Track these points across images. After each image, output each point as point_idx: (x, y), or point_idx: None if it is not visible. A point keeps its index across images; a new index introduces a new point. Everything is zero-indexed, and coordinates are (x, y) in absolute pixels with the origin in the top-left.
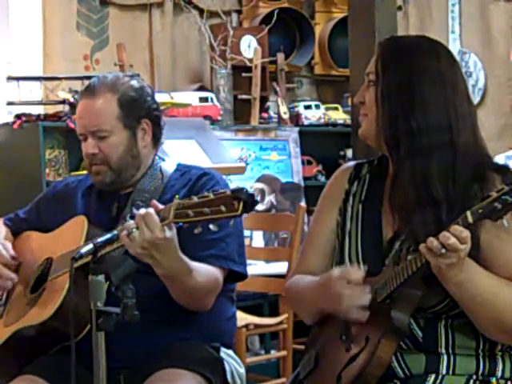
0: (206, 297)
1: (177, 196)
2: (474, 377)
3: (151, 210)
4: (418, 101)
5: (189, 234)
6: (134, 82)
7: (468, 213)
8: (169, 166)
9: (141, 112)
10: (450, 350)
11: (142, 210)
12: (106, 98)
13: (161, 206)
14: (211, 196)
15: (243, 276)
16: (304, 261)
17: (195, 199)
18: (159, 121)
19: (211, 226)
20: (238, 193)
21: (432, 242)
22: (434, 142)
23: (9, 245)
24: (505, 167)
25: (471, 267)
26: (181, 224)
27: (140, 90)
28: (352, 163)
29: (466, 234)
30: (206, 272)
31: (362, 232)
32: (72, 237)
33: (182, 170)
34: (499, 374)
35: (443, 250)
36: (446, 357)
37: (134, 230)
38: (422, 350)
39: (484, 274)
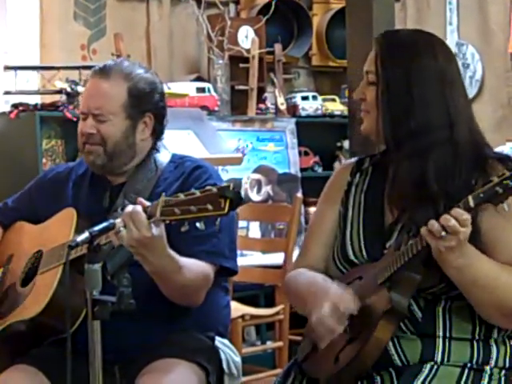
0: (196, 293)
1: (162, 194)
2: (469, 365)
3: (138, 208)
4: (417, 101)
5: (179, 231)
6: (149, 75)
7: (469, 197)
8: (163, 157)
9: (147, 106)
10: (447, 334)
11: (129, 208)
12: (117, 83)
13: (147, 203)
14: (197, 193)
15: (234, 271)
16: (306, 253)
17: (182, 196)
18: (162, 118)
19: (198, 225)
20: (225, 191)
21: (433, 224)
22: (434, 141)
23: None
24: (507, 157)
25: (471, 252)
26: (168, 221)
27: (152, 84)
28: (354, 159)
29: (467, 216)
30: (196, 268)
31: (364, 219)
32: (61, 230)
33: (176, 161)
34: (493, 362)
35: (443, 233)
36: (441, 342)
37: (122, 228)
38: (419, 332)
39: (484, 259)
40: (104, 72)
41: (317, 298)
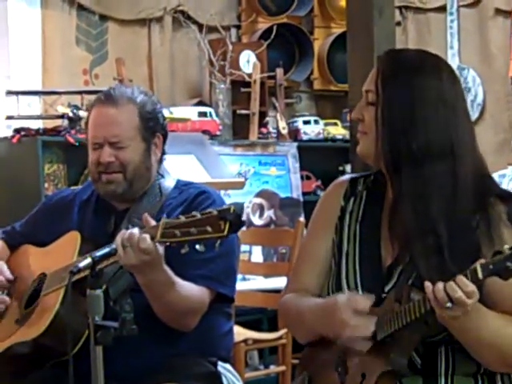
0: (188, 314)
1: (164, 216)
2: None
3: (135, 231)
4: (419, 123)
5: (178, 253)
6: (150, 97)
7: (478, 267)
8: (168, 183)
9: (156, 126)
10: (450, 373)
11: (126, 232)
12: (128, 108)
13: (153, 222)
14: (198, 216)
15: (230, 298)
16: (299, 278)
17: (182, 219)
18: (166, 137)
19: (198, 247)
20: (225, 213)
21: (439, 292)
22: (435, 169)
23: (4, 266)
24: (508, 194)
25: (477, 314)
26: (168, 243)
27: (156, 105)
28: (346, 177)
29: (472, 288)
30: (189, 289)
31: (360, 255)
32: (65, 253)
33: (181, 187)
34: None
35: (449, 304)
36: (443, 379)
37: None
38: (420, 373)
39: (489, 316)
40: (110, 99)
41: (328, 311)
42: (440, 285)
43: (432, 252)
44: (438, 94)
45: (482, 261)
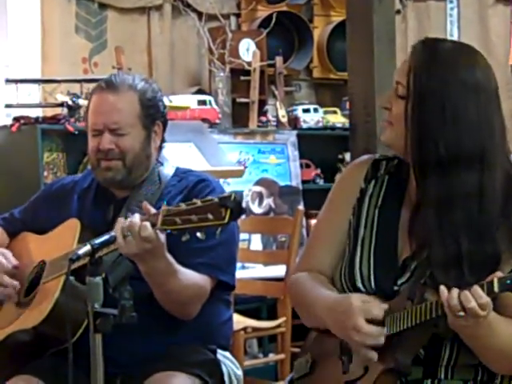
0: (190, 302)
1: (164, 203)
2: (472, 382)
3: (136, 219)
4: (449, 123)
5: (179, 241)
6: (151, 84)
7: (495, 281)
8: (167, 171)
9: (156, 114)
10: (451, 364)
11: (127, 220)
12: (129, 95)
13: (153, 210)
14: (199, 203)
15: (231, 286)
16: (312, 257)
17: (183, 206)
18: (166, 125)
19: (198, 234)
20: (225, 200)
21: (453, 299)
22: (463, 177)
23: (9, 253)
24: None
25: (489, 323)
26: (169, 231)
27: (157, 92)
28: (368, 158)
29: (486, 300)
30: (191, 277)
31: (376, 243)
32: (65, 240)
33: (180, 175)
34: (498, 381)
35: (461, 313)
36: (444, 369)
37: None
38: (421, 364)
39: (501, 324)
40: (111, 86)
41: (341, 313)
42: (455, 292)
43: (451, 262)
44: (472, 91)
45: (500, 274)
